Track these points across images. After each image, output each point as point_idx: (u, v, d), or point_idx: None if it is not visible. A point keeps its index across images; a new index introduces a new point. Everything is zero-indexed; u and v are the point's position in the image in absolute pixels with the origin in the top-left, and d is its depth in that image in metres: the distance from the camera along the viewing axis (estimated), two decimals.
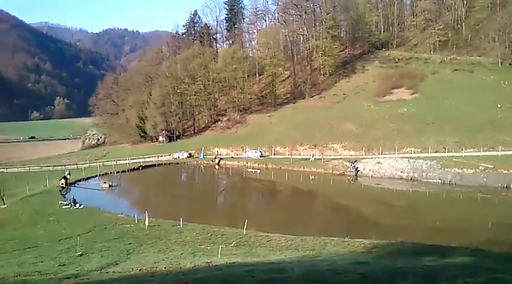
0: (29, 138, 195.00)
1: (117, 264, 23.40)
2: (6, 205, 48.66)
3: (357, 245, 27.63)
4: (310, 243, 29.11)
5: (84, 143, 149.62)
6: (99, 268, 21.68)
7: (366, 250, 25.73)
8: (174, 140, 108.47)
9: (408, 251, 24.69)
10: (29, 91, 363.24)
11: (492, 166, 58.27)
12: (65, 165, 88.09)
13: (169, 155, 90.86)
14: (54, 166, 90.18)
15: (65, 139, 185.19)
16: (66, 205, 47.84)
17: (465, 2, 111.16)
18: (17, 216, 44.37)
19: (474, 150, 65.53)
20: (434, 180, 60.02)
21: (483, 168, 58.62)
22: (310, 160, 74.17)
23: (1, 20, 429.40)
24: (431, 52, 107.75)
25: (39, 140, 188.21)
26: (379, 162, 67.23)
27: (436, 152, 67.84)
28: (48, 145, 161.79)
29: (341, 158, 73.41)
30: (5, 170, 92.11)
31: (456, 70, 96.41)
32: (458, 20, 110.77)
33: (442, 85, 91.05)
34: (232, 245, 29.49)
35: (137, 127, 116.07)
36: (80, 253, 27.50)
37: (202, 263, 20.31)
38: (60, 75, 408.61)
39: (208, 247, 28.35)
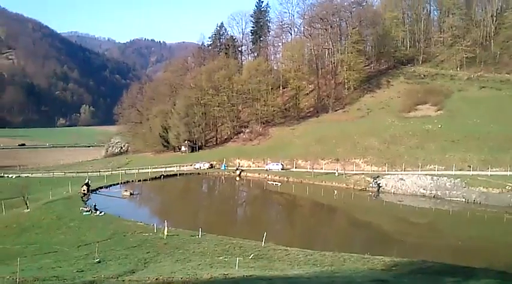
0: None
1: (134, 272, 23.41)
2: (29, 210, 49.30)
3: (376, 262, 27.07)
4: (329, 259, 28.67)
5: (107, 151, 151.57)
6: (116, 275, 21.71)
7: (386, 267, 25.20)
8: (196, 150, 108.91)
9: (430, 270, 24.11)
10: (56, 98, 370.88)
11: None
12: (87, 172, 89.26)
13: (191, 165, 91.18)
14: (77, 172, 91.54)
15: (89, 146, 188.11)
16: (86, 211, 48.26)
17: (495, 18, 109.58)
18: (39, 221, 44.90)
19: (500, 169, 64.08)
20: (458, 199, 58.75)
21: (510, 187, 57.14)
22: (336, 174, 73.43)
23: (34, 30, 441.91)
24: (458, 69, 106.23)
25: (64, 146, 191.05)
26: (401, 179, 66.21)
27: (460, 170, 66.53)
28: (73, 152, 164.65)
29: (363, 173, 72.63)
30: (30, 175, 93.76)
31: (483, 87, 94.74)
32: (487, 36, 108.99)
33: (468, 102, 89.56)
34: (250, 257, 29.23)
35: (160, 136, 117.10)
36: (98, 260, 27.62)
37: (219, 275, 20.17)
38: (87, 84, 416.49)
39: (226, 259, 28.16)
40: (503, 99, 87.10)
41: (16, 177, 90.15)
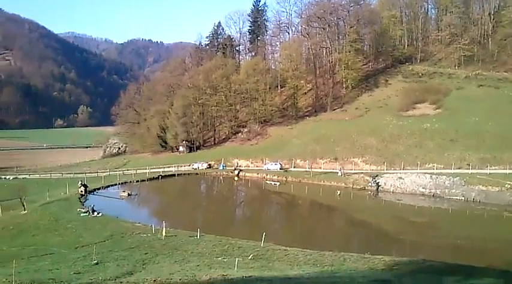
0: None
1: (132, 274, 23.11)
2: (26, 211, 48.93)
3: (377, 262, 26.85)
4: (329, 258, 28.43)
5: (105, 151, 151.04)
6: (113, 277, 21.42)
7: (387, 267, 24.99)
8: (194, 150, 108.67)
9: (430, 269, 23.92)
10: (54, 99, 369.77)
11: None
12: (85, 173, 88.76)
13: (189, 165, 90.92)
14: (75, 173, 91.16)
15: (87, 147, 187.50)
16: (84, 212, 47.95)
17: (492, 16, 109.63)
18: (36, 222, 44.50)
19: (499, 167, 64.04)
20: (457, 197, 58.66)
21: (509, 186, 57.02)
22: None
23: (31, 30, 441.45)
24: (456, 67, 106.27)
25: (61, 147, 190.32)
26: (400, 177, 66.09)
27: (459, 168, 66.44)
28: (71, 153, 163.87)
29: (362, 172, 72.45)
30: (27, 176, 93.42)
31: (481, 85, 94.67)
32: (484, 34, 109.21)
33: (466, 101, 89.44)
34: (249, 258, 28.97)
35: (158, 137, 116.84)
36: (95, 261, 27.32)
37: (218, 276, 19.92)
38: (85, 84, 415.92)
39: (225, 260, 27.89)
40: (502, 97, 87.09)
41: (13, 178, 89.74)
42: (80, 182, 64.73)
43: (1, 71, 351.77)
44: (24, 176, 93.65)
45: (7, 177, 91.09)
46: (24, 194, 53.94)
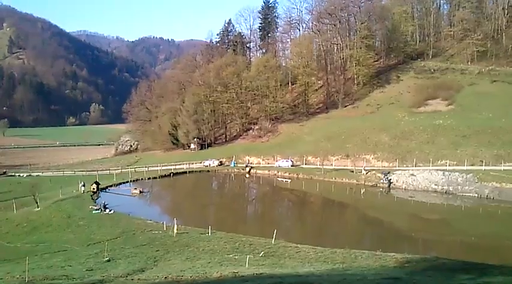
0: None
1: (143, 271, 23.24)
2: (39, 208, 49.38)
3: (388, 259, 26.71)
4: (340, 256, 28.33)
5: (117, 149, 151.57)
6: (125, 274, 21.55)
7: (398, 264, 24.83)
8: (205, 148, 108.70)
9: (443, 267, 23.68)
10: (66, 97, 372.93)
11: None
12: (97, 170, 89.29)
13: (201, 163, 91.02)
14: (87, 171, 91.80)
15: (99, 145, 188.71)
16: (96, 210, 48.28)
17: (506, 11, 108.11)
18: (49, 219, 44.96)
19: None
20: (471, 194, 58.05)
21: None
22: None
23: (43, 29, 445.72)
24: (469, 63, 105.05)
25: (74, 145, 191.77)
26: (412, 174, 65.58)
27: (472, 165, 65.68)
28: (83, 151, 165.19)
29: (374, 169, 72.00)
30: (41, 174, 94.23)
31: (495, 81, 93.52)
32: (498, 29, 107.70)
33: (479, 96, 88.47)
34: (260, 255, 28.98)
35: (169, 134, 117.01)
36: (107, 258, 27.51)
37: (229, 273, 19.91)
38: (96, 82, 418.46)
39: (236, 257, 27.92)
40: None
41: (27, 175, 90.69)
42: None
43: (15, 70, 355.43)
44: (37, 173, 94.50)
45: (21, 175, 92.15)
46: (38, 191, 54.58)
